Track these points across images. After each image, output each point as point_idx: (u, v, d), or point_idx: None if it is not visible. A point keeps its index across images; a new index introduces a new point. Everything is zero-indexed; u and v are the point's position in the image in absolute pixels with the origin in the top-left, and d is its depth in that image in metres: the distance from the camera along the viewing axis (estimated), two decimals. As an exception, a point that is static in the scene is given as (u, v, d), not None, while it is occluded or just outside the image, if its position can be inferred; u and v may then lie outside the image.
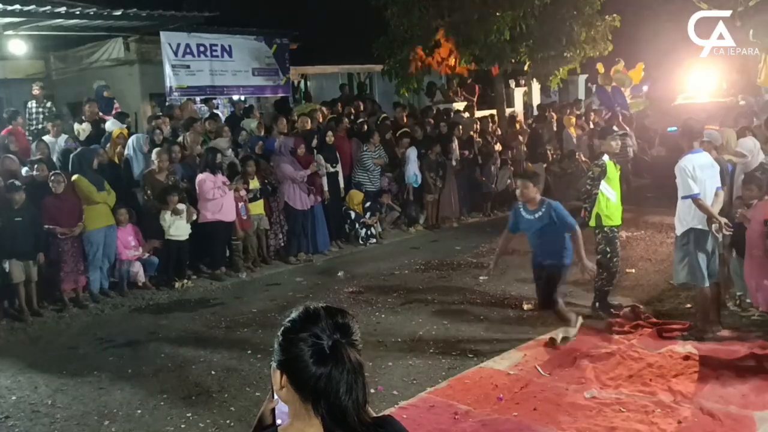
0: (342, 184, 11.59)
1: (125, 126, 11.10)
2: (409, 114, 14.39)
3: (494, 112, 16.01)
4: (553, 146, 15.08)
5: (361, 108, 14.50)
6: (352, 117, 13.68)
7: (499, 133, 15.07)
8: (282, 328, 1.77)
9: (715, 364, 5.81)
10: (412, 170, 12.20)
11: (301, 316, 1.77)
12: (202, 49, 13.47)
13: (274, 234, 10.65)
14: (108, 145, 10.28)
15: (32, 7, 10.92)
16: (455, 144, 13.19)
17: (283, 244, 10.71)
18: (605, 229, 7.17)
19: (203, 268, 9.97)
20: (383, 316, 7.79)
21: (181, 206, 9.28)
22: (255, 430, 1.96)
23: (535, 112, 17.59)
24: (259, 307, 8.38)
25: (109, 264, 9.04)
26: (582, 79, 19.47)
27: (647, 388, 5.46)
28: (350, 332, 1.75)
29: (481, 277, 9.05)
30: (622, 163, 7.48)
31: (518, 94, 18.90)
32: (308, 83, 18.25)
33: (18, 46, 12.76)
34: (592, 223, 7.24)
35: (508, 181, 14.12)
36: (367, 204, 11.67)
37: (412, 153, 12.17)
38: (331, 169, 11.25)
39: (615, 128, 7.68)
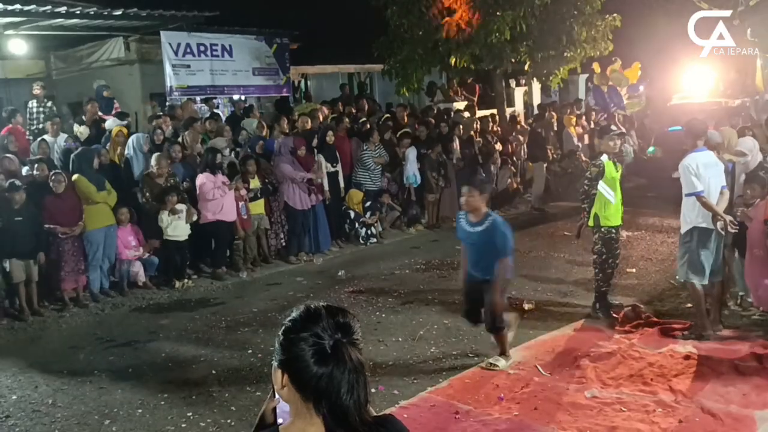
0: (342, 184, 11.59)
1: (125, 124, 11.10)
2: (409, 114, 14.38)
3: (495, 111, 16.01)
4: (554, 146, 15.08)
5: (365, 107, 14.48)
6: (353, 117, 13.67)
7: (499, 132, 15.06)
8: (283, 327, 1.77)
9: (715, 364, 5.81)
10: (412, 170, 12.19)
11: (302, 315, 1.76)
12: (202, 48, 13.47)
13: (274, 233, 10.65)
14: (108, 144, 10.28)
15: (32, 6, 10.93)
16: (456, 143, 13.19)
17: (284, 244, 10.71)
18: (602, 229, 7.16)
19: (204, 267, 9.97)
20: (384, 315, 7.79)
21: (181, 206, 9.28)
22: (256, 429, 1.96)
23: (536, 112, 17.58)
24: (259, 307, 8.38)
25: (109, 264, 9.04)
26: (582, 78, 19.46)
27: (648, 387, 5.47)
28: (351, 331, 1.75)
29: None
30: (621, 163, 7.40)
31: (519, 93, 18.90)
32: (308, 83, 18.25)
33: (18, 46, 12.77)
34: (591, 223, 7.24)
35: (509, 180, 14.13)
36: (368, 203, 11.67)
37: (411, 153, 12.17)
38: (332, 169, 11.25)
39: (613, 128, 7.63)
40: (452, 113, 14.85)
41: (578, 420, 4.97)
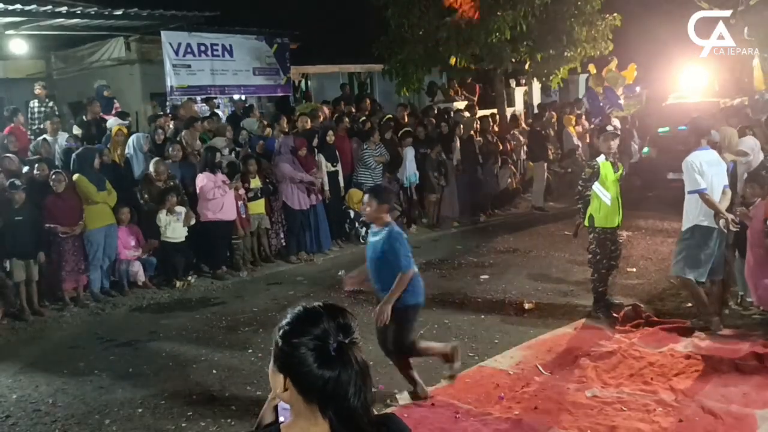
0: (342, 184, 11.59)
1: (126, 124, 11.10)
2: (410, 113, 14.38)
3: (495, 111, 16.01)
4: (553, 146, 15.08)
5: (368, 107, 14.47)
6: (354, 116, 13.67)
7: (498, 131, 15.05)
8: (281, 331, 1.73)
9: (716, 363, 5.81)
10: (411, 169, 12.19)
11: (300, 317, 1.73)
12: (202, 48, 13.47)
13: (275, 233, 10.66)
14: (109, 144, 10.28)
15: (33, 6, 10.93)
16: (457, 143, 13.20)
17: (284, 244, 10.71)
18: (597, 230, 7.15)
19: (204, 267, 9.96)
20: (384, 315, 7.76)
21: (180, 209, 9.28)
22: (257, 427, 1.96)
23: (536, 112, 17.58)
24: (260, 306, 8.38)
25: (109, 263, 9.04)
26: (582, 78, 19.45)
27: (648, 386, 5.46)
28: (352, 332, 1.72)
29: (482, 277, 9.08)
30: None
31: (519, 93, 18.90)
32: (309, 83, 18.25)
33: (19, 46, 12.78)
34: (586, 223, 7.25)
35: (509, 180, 14.13)
36: (368, 203, 11.64)
37: (409, 152, 12.15)
38: (332, 168, 11.25)
39: (609, 128, 7.60)
40: (452, 113, 14.85)
41: (579, 419, 4.97)
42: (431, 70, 15.47)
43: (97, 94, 12.14)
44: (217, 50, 13.73)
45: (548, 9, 13.67)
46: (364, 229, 11.57)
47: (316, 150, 11.10)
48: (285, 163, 10.39)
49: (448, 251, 10.84)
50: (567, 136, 15.40)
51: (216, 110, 13.26)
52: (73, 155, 9.03)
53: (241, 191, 9.88)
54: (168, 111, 12.51)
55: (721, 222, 6.31)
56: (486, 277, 9.16)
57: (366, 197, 5.48)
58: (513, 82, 18.46)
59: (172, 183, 9.48)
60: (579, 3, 14.03)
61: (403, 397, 5.43)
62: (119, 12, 11.65)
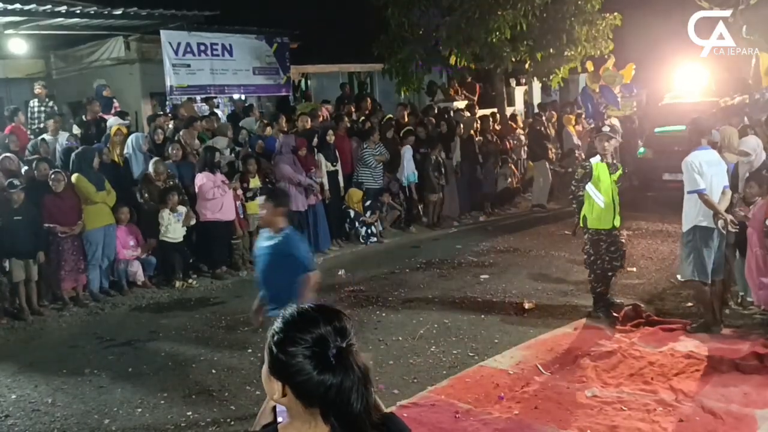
0: (342, 183, 11.58)
1: (127, 123, 11.09)
2: (410, 113, 14.37)
3: (495, 110, 15.99)
4: (554, 145, 15.07)
5: (369, 107, 14.46)
6: (354, 116, 13.66)
7: (498, 131, 15.04)
8: (275, 338, 1.67)
9: (716, 363, 5.80)
10: (409, 169, 12.17)
11: (294, 323, 1.68)
12: (202, 48, 13.46)
13: (275, 233, 10.63)
14: (108, 143, 10.27)
15: (33, 6, 10.92)
16: (457, 143, 13.19)
17: (284, 243, 10.68)
18: (590, 231, 7.14)
19: (203, 267, 9.95)
20: (384, 314, 7.78)
21: (181, 208, 9.28)
22: (255, 428, 1.94)
23: (536, 111, 17.55)
24: (259, 306, 8.35)
25: (108, 263, 9.03)
26: (583, 77, 19.41)
27: (648, 386, 5.46)
28: (349, 335, 1.68)
29: (482, 276, 9.08)
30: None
31: (519, 93, 18.88)
32: (309, 82, 18.24)
33: (18, 46, 12.76)
34: (581, 223, 7.24)
35: (508, 180, 14.12)
36: (368, 202, 11.66)
37: (408, 152, 12.13)
38: (332, 168, 11.24)
39: (605, 128, 7.56)
40: (451, 112, 14.84)
41: (578, 419, 4.96)
42: (431, 69, 15.45)
43: (97, 93, 12.13)
44: (216, 50, 13.72)
45: (548, 8, 13.66)
46: (364, 228, 11.58)
47: (315, 150, 11.08)
48: (286, 165, 10.37)
49: (448, 251, 10.83)
50: (567, 136, 15.37)
51: (215, 110, 13.25)
52: (73, 155, 9.02)
53: (239, 191, 9.86)
54: (168, 111, 12.50)
55: (720, 223, 6.31)
56: (486, 276, 9.15)
57: (262, 200, 5.16)
58: (513, 82, 18.44)
59: (171, 182, 9.46)
60: (579, 2, 14.01)
61: None
62: (119, 11, 11.64)
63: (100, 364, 6.68)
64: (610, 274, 7.24)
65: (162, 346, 7.17)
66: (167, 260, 9.43)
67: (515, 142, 14.92)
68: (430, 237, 12.14)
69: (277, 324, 1.70)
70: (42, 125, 11.28)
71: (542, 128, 14.74)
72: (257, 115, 12.88)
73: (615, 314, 7.10)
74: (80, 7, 11.64)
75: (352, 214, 11.58)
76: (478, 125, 14.19)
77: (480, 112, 15.18)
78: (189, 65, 13.22)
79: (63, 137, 10.22)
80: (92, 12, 11.61)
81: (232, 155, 10.64)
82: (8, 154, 9.06)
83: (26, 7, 10.82)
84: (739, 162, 8.62)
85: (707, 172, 6.34)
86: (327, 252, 11.02)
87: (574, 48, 14.20)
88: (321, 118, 12.50)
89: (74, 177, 8.70)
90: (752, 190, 6.71)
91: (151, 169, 9.40)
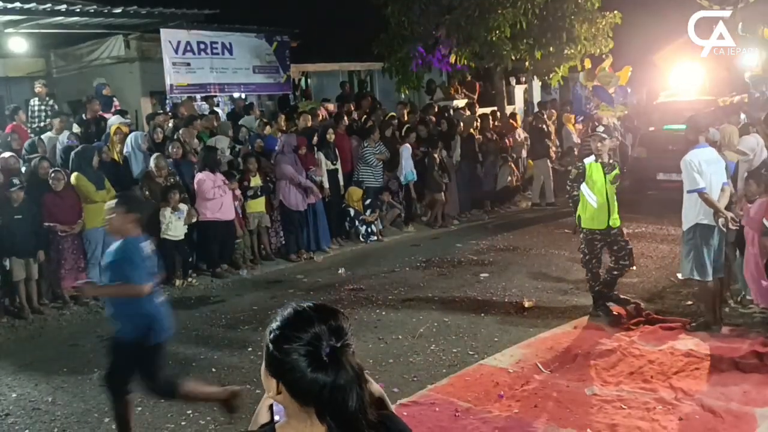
0: (342, 182, 11.59)
1: (128, 122, 11.09)
2: (409, 111, 14.37)
3: (495, 109, 15.99)
4: (553, 143, 15.07)
5: (369, 105, 14.45)
6: (355, 114, 13.66)
7: (498, 129, 15.03)
8: (271, 335, 1.69)
9: (716, 361, 5.81)
10: (408, 167, 12.17)
11: (290, 321, 1.69)
12: (202, 46, 13.46)
13: (275, 231, 10.66)
14: (108, 142, 10.28)
15: (33, 4, 10.92)
16: (457, 142, 13.19)
17: (284, 242, 10.71)
18: (584, 231, 7.15)
19: (203, 265, 9.95)
20: (384, 313, 7.78)
21: (183, 206, 9.28)
22: (252, 427, 1.94)
23: (536, 110, 17.54)
24: (259, 305, 8.37)
25: (108, 262, 9.01)
26: (583, 76, 19.39)
27: (648, 385, 5.46)
28: (345, 335, 1.68)
29: (482, 275, 9.09)
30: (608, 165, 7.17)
31: (519, 91, 18.87)
32: (309, 81, 18.23)
33: (19, 44, 12.76)
34: (577, 223, 7.25)
35: (509, 178, 14.12)
36: (368, 201, 11.67)
37: (406, 150, 12.13)
38: (332, 167, 11.25)
39: (600, 128, 7.55)
40: (451, 111, 14.84)
41: (578, 417, 4.97)
42: (431, 67, 15.44)
43: (97, 92, 12.13)
44: (216, 48, 13.71)
45: (548, 6, 13.65)
46: (364, 227, 11.59)
47: (315, 148, 11.08)
48: (287, 165, 10.35)
49: (448, 249, 10.84)
50: (567, 134, 15.38)
51: (215, 108, 13.25)
52: (72, 154, 9.02)
53: (238, 192, 9.86)
54: (168, 109, 12.50)
55: (720, 221, 6.33)
56: (486, 275, 9.15)
57: (113, 204, 4.66)
58: (513, 80, 18.43)
59: (172, 180, 9.46)
60: (579, 1, 14.01)
61: None
62: (118, 10, 11.65)
63: (101, 363, 6.61)
64: (615, 273, 7.21)
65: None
66: (168, 258, 9.42)
67: (517, 139, 14.89)
68: (430, 235, 12.14)
69: (275, 321, 1.72)
70: (42, 124, 11.28)
71: (544, 126, 14.74)
72: (258, 113, 12.87)
73: (616, 312, 7.10)
74: (80, 6, 11.65)
75: (352, 212, 11.58)
76: (478, 124, 14.19)
77: (480, 111, 15.17)
78: (189, 64, 13.22)
79: (64, 136, 10.23)
80: (92, 11, 11.62)
81: (231, 155, 10.63)
82: (7, 153, 9.06)
83: (26, 6, 10.83)
84: (739, 161, 8.63)
85: (706, 171, 6.34)
86: (327, 250, 11.03)
87: (574, 46, 14.19)
88: (321, 117, 12.50)
89: (74, 176, 8.69)
90: (750, 187, 6.72)
91: (152, 164, 9.38)
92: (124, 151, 10.13)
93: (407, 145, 12.18)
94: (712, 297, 6.61)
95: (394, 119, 13.07)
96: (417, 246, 11.31)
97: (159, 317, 4.71)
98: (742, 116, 10.47)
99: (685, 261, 6.64)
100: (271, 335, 1.69)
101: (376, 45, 14.51)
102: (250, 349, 6.79)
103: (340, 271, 9.74)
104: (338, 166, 11.44)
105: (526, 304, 7.70)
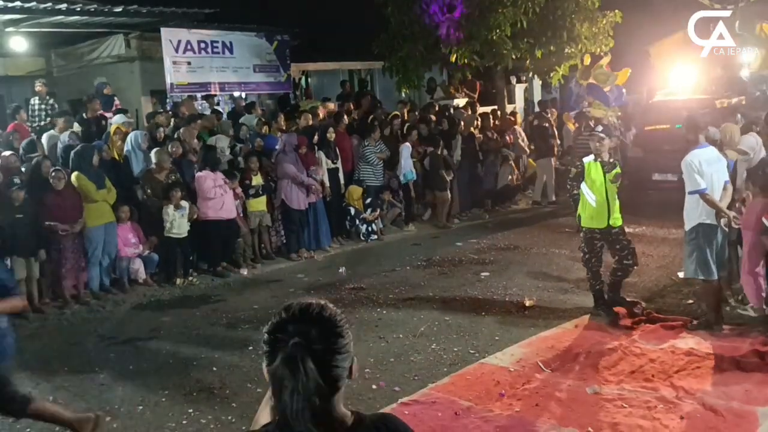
0: (342, 181, 11.58)
1: (131, 121, 11.10)
2: (410, 110, 14.36)
3: (495, 107, 15.98)
4: (556, 142, 15.06)
5: (369, 104, 14.45)
6: (354, 113, 13.65)
7: (499, 126, 15.03)
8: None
9: (717, 360, 5.81)
10: (407, 166, 12.16)
11: (281, 311, 1.75)
12: (202, 45, 13.47)
13: (275, 230, 10.66)
14: (108, 141, 10.27)
15: (33, 3, 10.91)
16: (458, 140, 13.19)
17: (284, 241, 10.71)
18: (584, 230, 7.16)
19: (205, 264, 9.95)
20: (385, 312, 7.78)
21: (184, 203, 9.28)
22: (253, 427, 1.94)
23: (536, 109, 17.54)
24: (260, 304, 8.37)
25: (109, 261, 9.03)
26: (579, 73, 19.34)
27: (649, 383, 5.46)
28: (313, 339, 1.68)
29: (482, 274, 9.09)
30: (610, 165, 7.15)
31: (519, 90, 18.86)
32: (309, 80, 18.23)
33: (19, 43, 12.76)
34: (578, 222, 7.25)
35: (509, 177, 14.12)
36: (368, 200, 11.66)
37: (405, 149, 12.12)
38: (332, 166, 11.25)
39: (598, 128, 7.54)
40: (451, 110, 14.84)
41: (580, 416, 4.96)
42: (431, 67, 15.44)
43: (97, 91, 12.12)
44: (217, 47, 13.72)
45: (548, 5, 13.65)
46: (364, 226, 11.58)
47: (316, 147, 11.08)
48: (289, 164, 10.34)
49: (449, 248, 10.84)
50: (567, 133, 15.38)
51: (216, 107, 13.25)
52: (72, 153, 9.01)
53: (239, 190, 9.86)
54: (168, 108, 12.49)
55: (723, 221, 6.34)
56: (486, 274, 9.15)
57: None
58: (514, 79, 18.43)
59: (174, 177, 9.46)
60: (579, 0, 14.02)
61: None
62: (119, 9, 11.65)
63: (102, 362, 6.68)
64: (620, 274, 7.19)
65: (163, 344, 7.17)
66: (171, 256, 9.43)
67: (517, 138, 14.87)
68: (431, 234, 12.14)
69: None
70: (42, 123, 11.28)
71: (547, 125, 14.74)
72: (259, 112, 12.87)
73: (618, 310, 7.09)
74: (80, 5, 11.65)
75: (352, 211, 11.58)
76: (479, 123, 14.19)
77: (480, 110, 15.17)
78: (189, 63, 13.23)
79: (65, 135, 10.22)
80: (93, 9, 11.62)
81: (231, 155, 10.63)
82: (8, 152, 9.07)
83: (27, 5, 10.82)
84: (738, 160, 8.62)
85: (707, 171, 6.34)
86: (328, 249, 11.03)
87: (575, 45, 14.19)
88: (321, 116, 12.49)
89: (74, 176, 8.69)
90: (747, 186, 6.74)
91: (154, 159, 9.37)
92: (125, 150, 10.13)
93: (407, 144, 12.17)
94: (716, 296, 6.62)
95: (397, 118, 13.04)
96: (417, 245, 11.31)
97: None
98: (738, 116, 10.44)
99: (688, 261, 6.64)
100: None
101: (377, 44, 14.51)
102: (250, 348, 6.78)
103: (340, 270, 9.74)
104: (339, 165, 11.44)
105: (527, 303, 7.70)
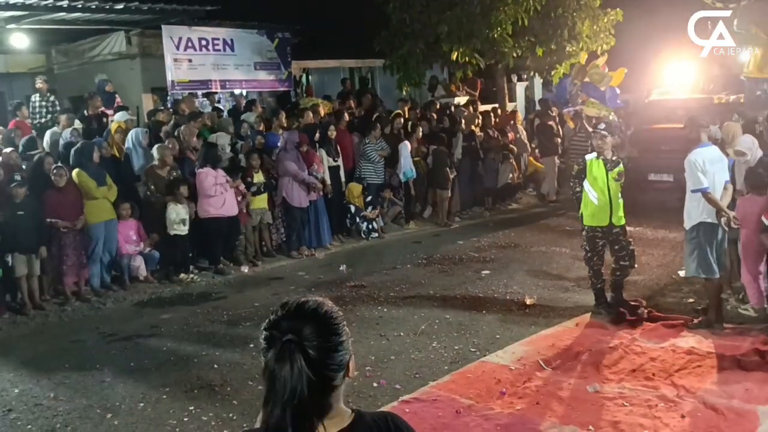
0: (343, 178, 11.58)
1: (134, 118, 11.09)
2: (410, 108, 14.35)
3: (496, 106, 15.97)
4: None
5: (369, 102, 14.44)
6: (355, 111, 13.64)
7: (499, 125, 15.02)
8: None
9: (718, 359, 5.82)
10: (407, 165, 12.15)
11: (278, 308, 1.75)
12: (203, 43, 13.45)
13: (276, 228, 10.66)
14: (109, 138, 10.27)
15: (34, 0, 10.90)
16: (459, 139, 13.19)
17: (285, 239, 10.71)
18: (586, 228, 7.16)
19: (205, 262, 9.95)
20: (385, 310, 7.78)
21: (185, 200, 9.30)
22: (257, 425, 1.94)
23: (537, 107, 17.52)
24: (261, 301, 8.37)
25: (110, 258, 9.03)
26: (574, 71, 19.29)
27: (650, 382, 5.47)
28: (304, 337, 1.67)
29: (483, 272, 9.09)
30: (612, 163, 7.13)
31: (520, 88, 18.85)
32: (310, 77, 18.22)
33: (20, 40, 12.73)
34: (580, 220, 7.25)
35: (510, 175, 14.11)
36: (369, 198, 11.67)
37: (405, 148, 12.11)
38: (333, 163, 11.25)
39: (601, 126, 7.57)
40: (452, 108, 14.83)
41: (580, 415, 4.97)
42: (432, 65, 15.43)
43: (98, 88, 12.12)
44: (218, 45, 13.71)
45: (549, 3, 13.64)
46: (365, 224, 11.59)
47: (317, 145, 11.08)
48: (290, 161, 10.32)
49: (449, 246, 10.84)
50: (568, 132, 15.35)
51: (217, 105, 13.24)
52: (72, 150, 9.01)
53: (242, 187, 9.85)
54: (169, 106, 12.49)
55: (723, 220, 6.35)
56: (487, 272, 9.16)
57: None
58: (515, 77, 18.41)
59: (175, 173, 9.45)
60: (580, -1, 14.02)
61: None
62: (120, 6, 11.63)
63: (103, 359, 6.69)
64: (618, 274, 7.17)
65: (164, 341, 7.18)
66: (176, 253, 9.42)
67: (517, 136, 14.87)
68: (431, 232, 12.14)
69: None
70: (43, 120, 11.28)
71: (552, 124, 14.74)
72: (260, 110, 12.86)
73: (620, 310, 7.07)
74: (82, 2, 11.60)
75: (352, 209, 11.58)
76: (480, 121, 14.18)
77: (481, 108, 15.16)
78: (190, 60, 13.21)
79: (67, 132, 10.23)
80: (94, 6, 11.58)
81: (232, 152, 10.62)
82: (11, 149, 9.08)
83: (28, 2, 10.80)
84: (736, 160, 8.62)
85: (710, 170, 6.37)
86: (328, 247, 11.04)
87: (576, 43, 14.18)
88: (322, 114, 12.48)
89: (75, 173, 8.69)
90: (745, 186, 6.77)
91: (156, 155, 9.35)
92: (126, 147, 10.13)
93: (406, 142, 12.16)
94: (717, 294, 6.63)
95: (399, 117, 13.03)
96: (418, 243, 11.31)
97: None
98: (735, 116, 10.42)
99: (689, 260, 6.65)
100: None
101: (378, 42, 14.50)
102: (251, 345, 6.78)
103: (341, 268, 9.74)
104: (340, 162, 11.43)
105: (528, 302, 7.71)
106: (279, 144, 10.68)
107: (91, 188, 8.70)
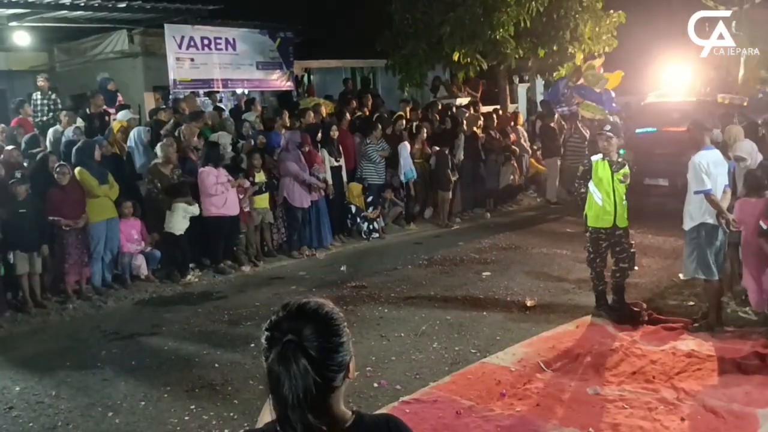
0: (345, 179, 11.59)
1: (136, 117, 11.10)
2: (412, 109, 14.37)
3: (498, 107, 15.99)
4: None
5: (369, 102, 14.45)
6: (357, 111, 13.64)
7: (500, 125, 15.03)
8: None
9: (718, 362, 5.82)
10: (407, 165, 12.16)
11: (279, 309, 1.76)
12: (206, 42, 13.46)
13: (277, 228, 10.67)
14: (110, 137, 10.29)
15: (36, -2, 10.94)
16: (461, 140, 13.20)
17: (286, 238, 10.72)
18: (589, 229, 7.16)
19: (207, 261, 9.96)
20: (386, 310, 7.79)
21: (193, 201, 9.32)
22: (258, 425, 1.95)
23: (539, 109, 17.51)
24: (262, 301, 8.38)
25: (111, 256, 9.04)
26: (570, 73, 19.30)
27: (650, 385, 5.48)
28: (304, 337, 1.68)
29: (484, 273, 9.10)
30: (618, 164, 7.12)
31: (522, 90, 18.86)
32: (311, 77, 18.23)
33: (22, 38, 12.76)
34: (584, 221, 7.26)
35: (511, 177, 14.13)
36: (370, 198, 11.67)
37: (404, 149, 12.12)
38: (335, 164, 11.26)
39: (606, 127, 7.58)
40: (454, 108, 14.83)
41: (581, 417, 4.98)
42: (434, 65, 15.44)
43: (100, 87, 12.14)
44: (220, 44, 13.72)
45: (552, 5, 13.65)
46: (366, 224, 11.60)
47: (319, 145, 11.09)
48: (292, 162, 10.33)
49: (450, 247, 10.85)
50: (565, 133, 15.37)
51: (219, 104, 13.25)
52: (74, 148, 9.02)
53: (246, 184, 9.86)
54: (171, 104, 12.50)
55: (723, 222, 6.38)
56: (488, 273, 9.17)
57: None
58: (516, 79, 18.43)
59: (178, 173, 9.46)
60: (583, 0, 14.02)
61: None
62: (123, 4, 11.64)
63: (104, 358, 6.70)
64: (618, 276, 7.16)
65: (165, 340, 7.19)
66: (178, 253, 9.43)
67: (519, 137, 14.88)
68: (432, 233, 12.15)
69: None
70: (45, 118, 11.29)
71: (554, 125, 14.75)
72: (259, 109, 12.87)
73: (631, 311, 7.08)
74: (84, 0, 11.65)
75: (353, 209, 11.59)
76: (482, 122, 14.19)
77: (483, 109, 15.17)
78: (192, 59, 13.22)
79: (70, 130, 10.25)
80: (96, 5, 11.60)
81: (233, 152, 10.64)
82: (13, 146, 9.09)
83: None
84: (736, 165, 8.63)
85: (713, 173, 6.40)
86: (329, 247, 11.04)
87: (578, 45, 14.20)
88: (324, 114, 12.49)
89: (77, 171, 8.70)
90: (745, 189, 6.79)
91: (159, 153, 9.35)
92: (127, 145, 10.14)
93: (405, 143, 12.17)
94: (717, 296, 6.64)
95: (401, 119, 13.03)
96: (419, 244, 11.32)
97: None
98: (736, 119, 10.42)
99: (687, 261, 6.67)
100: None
101: (380, 42, 14.51)
102: (252, 345, 6.80)
103: (342, 268, 9.75)
104: (342, 163, 11.44)
105: (529, 303, 7.71)
106: (281, 144, 10.68)
107: (93, 186, 8.70)
